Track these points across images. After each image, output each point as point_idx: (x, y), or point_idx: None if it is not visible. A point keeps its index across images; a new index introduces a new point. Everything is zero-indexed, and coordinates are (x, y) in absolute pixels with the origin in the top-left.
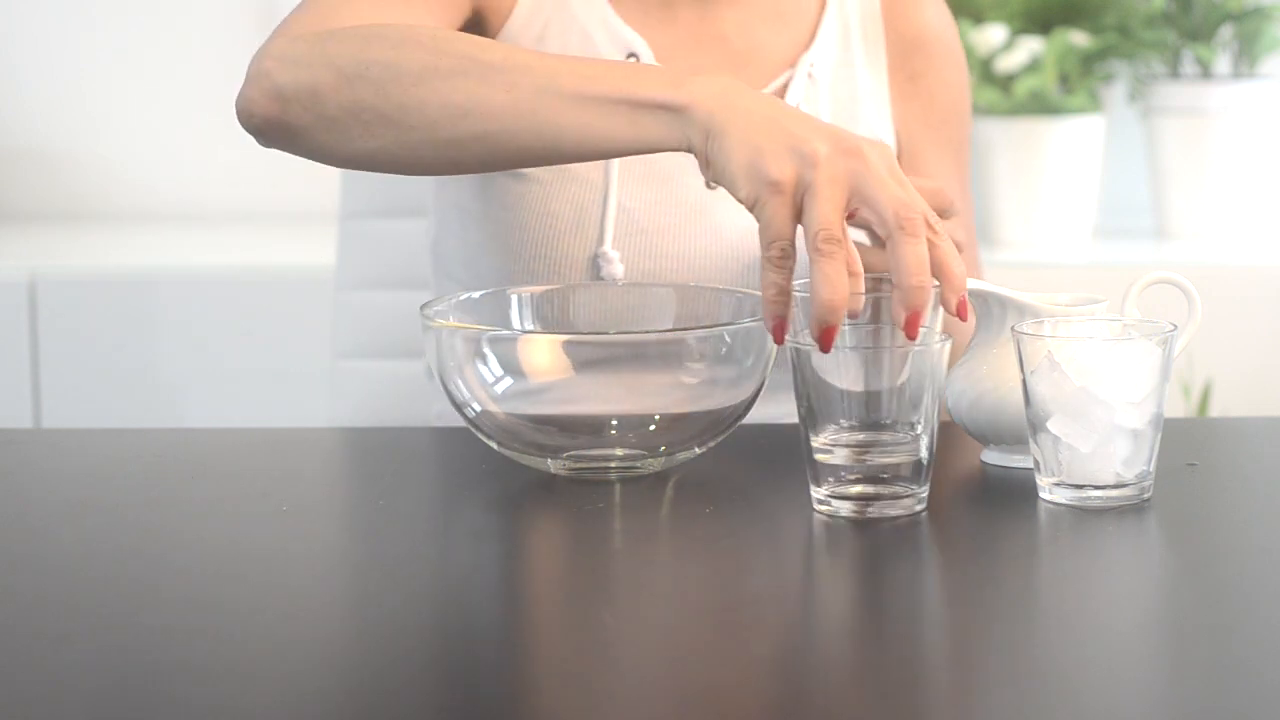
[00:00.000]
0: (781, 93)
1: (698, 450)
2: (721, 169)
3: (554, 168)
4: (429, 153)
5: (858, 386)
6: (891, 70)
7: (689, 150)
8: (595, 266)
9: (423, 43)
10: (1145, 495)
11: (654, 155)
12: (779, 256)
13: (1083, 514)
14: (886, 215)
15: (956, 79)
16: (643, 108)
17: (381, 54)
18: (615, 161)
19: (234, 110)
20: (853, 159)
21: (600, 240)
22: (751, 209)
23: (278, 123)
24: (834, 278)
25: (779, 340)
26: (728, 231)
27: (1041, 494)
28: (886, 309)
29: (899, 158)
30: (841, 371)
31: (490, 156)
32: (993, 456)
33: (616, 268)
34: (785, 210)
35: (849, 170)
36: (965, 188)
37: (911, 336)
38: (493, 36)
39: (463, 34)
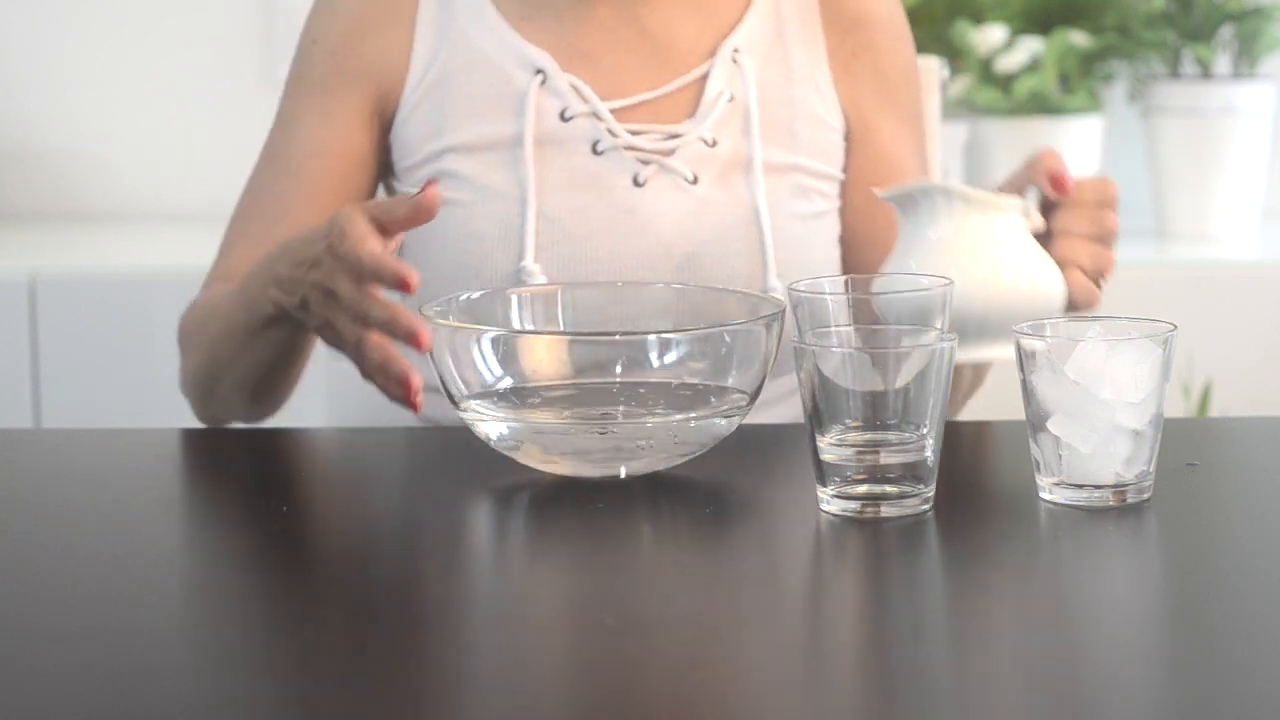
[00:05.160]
0: (702, 81)
1: (698, 451)
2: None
3: (477, 188)
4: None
5: (864, 387)
6: (830, 49)
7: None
8: (519, 282)
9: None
10: (1145, 495)
11: (575, 160)
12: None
13: (1083, 514)
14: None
15: (903, 50)
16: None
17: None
18: (531, 175)
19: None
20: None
21: (522, 254)
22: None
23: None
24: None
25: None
26: (659, 227)
27: (1041, 494)
28: (891, 310)
29: (851, 135)
30: (848, 372)
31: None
32: (969, 353)
33: (539, 280)
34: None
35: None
36: (924, 158)
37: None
38: (395, 101)
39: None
